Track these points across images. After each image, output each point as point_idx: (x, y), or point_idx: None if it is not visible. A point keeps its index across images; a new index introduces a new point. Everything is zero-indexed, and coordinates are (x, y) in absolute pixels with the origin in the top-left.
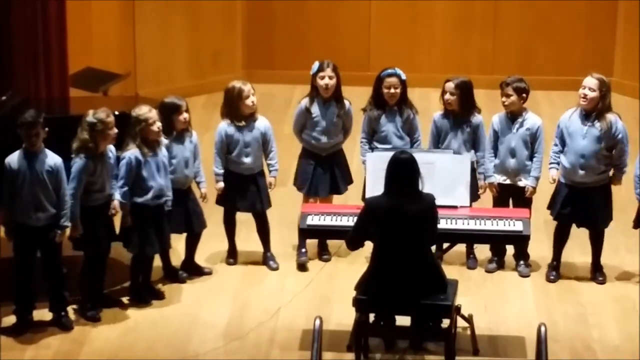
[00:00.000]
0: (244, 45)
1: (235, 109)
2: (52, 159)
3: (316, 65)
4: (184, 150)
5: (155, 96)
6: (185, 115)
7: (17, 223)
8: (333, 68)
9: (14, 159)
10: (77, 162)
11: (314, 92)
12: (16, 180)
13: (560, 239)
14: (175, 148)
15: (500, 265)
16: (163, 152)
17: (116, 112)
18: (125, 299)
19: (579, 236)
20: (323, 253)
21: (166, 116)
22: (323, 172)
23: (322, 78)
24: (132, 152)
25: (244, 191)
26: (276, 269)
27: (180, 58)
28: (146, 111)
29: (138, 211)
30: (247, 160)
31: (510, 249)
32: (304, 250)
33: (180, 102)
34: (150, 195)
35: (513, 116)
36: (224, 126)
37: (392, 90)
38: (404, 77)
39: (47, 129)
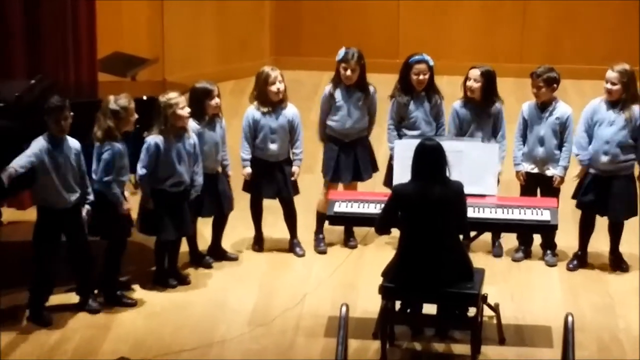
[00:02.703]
0: (271, 31)
1: (262, 93)
2: (74, 142)
3: (342, 53)
4: (215, 135)
5: (183, 81)
6: (216, 100)
7: (44, 207)
8: (358, 58)
9: (42, 144)
10: (111, 150)
11: (337, 77)
12: (45, 165)
13: (585, 229)
14: (206, 134)
15: (527, 255)
16: (189, 141)
17: (144, 97)
18: (135, 286)
19: (606, 226)
20: (349, 240)
21: (198, 101)
22: (346, 158)
23: (345, 69)
24: (153, 137)
25: (270, 178)
26: (302, 255)
27: (209, 43)
28: (176, 95)
29: (154, 196)
30: (272, 146)
31: (537, 238)
32: (321, 236)
33: (212, 87)
34: (168, 182)
35: (543, 105)
36: (252, 111)
37: (421, 77)
38: (432, 63)
39: (72, 113)
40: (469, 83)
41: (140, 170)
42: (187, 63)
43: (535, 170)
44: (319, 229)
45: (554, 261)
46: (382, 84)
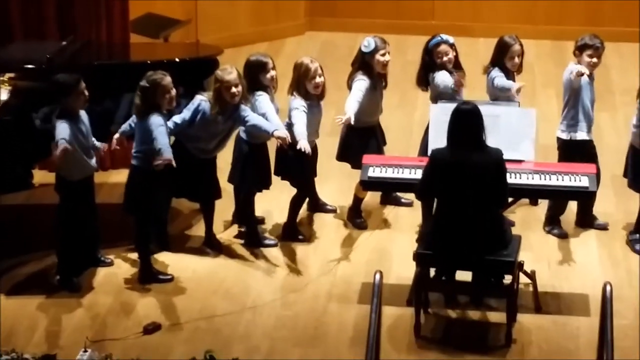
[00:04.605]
0: None
1: (301, 86)
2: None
3: (371, 41)
4: (275, 106)
5: (217, 43)
6: (272, 72)
7: (68, 180)
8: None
9: (65, 124)
10: (158, 119)
11: (368, 70)
12: (73, 144)
13: None
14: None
15: (561, 232)
16: (231, 119)
17: (177, 59)
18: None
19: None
20: (389, 200)
21: (252, 74)
22: (370, 141)
23: (384, 55)
24: (203, 98)
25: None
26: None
27: (242, 5)
28: (229, 72)
29: (176, 149)
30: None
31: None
32: (361, 217)
33: (266, 59)
34: (193, 145)
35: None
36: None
37: (445, 58)
38: (452, 40)
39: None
40: (517, 60)
41: (176, 118)
42: (221, 24)
43: (587, 137)
44: (358, 211)
45: (603, 225)
46: (417, 46)
